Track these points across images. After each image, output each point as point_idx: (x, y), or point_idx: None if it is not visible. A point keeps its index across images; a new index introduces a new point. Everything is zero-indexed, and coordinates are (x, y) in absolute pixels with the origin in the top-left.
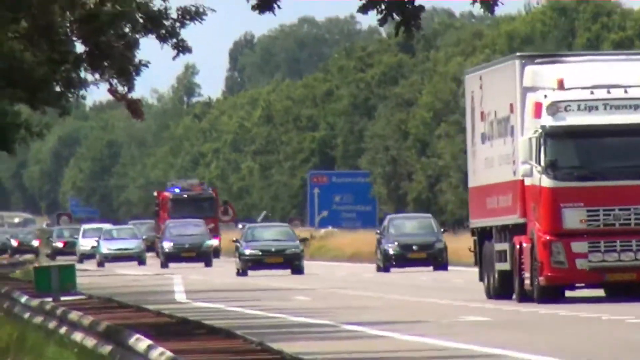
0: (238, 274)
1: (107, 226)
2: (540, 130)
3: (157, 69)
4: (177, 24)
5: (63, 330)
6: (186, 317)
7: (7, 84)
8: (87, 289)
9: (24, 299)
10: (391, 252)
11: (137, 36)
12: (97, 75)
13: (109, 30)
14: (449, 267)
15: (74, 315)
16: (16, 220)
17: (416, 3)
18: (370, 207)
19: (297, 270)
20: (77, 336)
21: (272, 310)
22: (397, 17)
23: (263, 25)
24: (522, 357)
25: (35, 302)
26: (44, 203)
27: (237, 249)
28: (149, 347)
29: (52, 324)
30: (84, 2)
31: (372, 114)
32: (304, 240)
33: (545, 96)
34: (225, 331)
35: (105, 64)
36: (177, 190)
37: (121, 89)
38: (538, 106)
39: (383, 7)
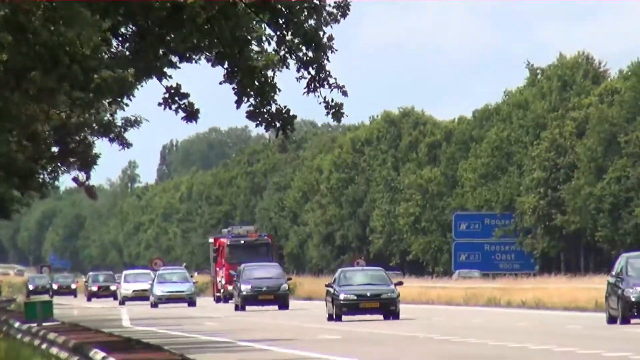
0: (330, 319)
1: (137, 270)
2: None
3: (109, 164)
4: (122, 129)
5: (44, 346)
6: (129, 337)
7: (6, 174)
8: (62, 318)
9: (17, 324)
10: (633, 299)
11: (94, 137)
12: (67, 168)
13: (75, 135)
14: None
15: (51, 335)
16: None
17: (291, 113)
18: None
19: (393, 315)
20: (54, 350)
21: (190, 332)
22: (278, 124)
23: (184, 132)
24: None
25: (25, 326)
26: (31, 257)
27: (328, 293)
28: (104, 358)
29: (36, 342)
30: (57, 116)
31: (260, 194)
32: (399, 284)
33: None
34: (156, 347)
35: (72, 159)
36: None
37: (82, 177)
38: None
39: (268, 116)
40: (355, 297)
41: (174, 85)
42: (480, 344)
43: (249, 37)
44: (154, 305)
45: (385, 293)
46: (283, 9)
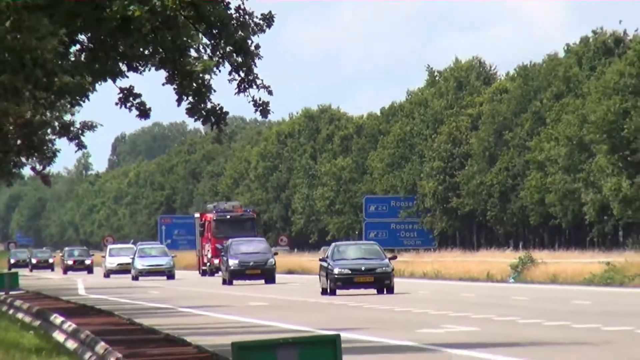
0: (324, 293)
1: (121, 245)
2: None
3: (66, 154)
4: (80, 131)
5: (11, 311)
6: (84, 304)
7: None
8: (26, 287)
9: None
10: None
11: (55, 137)
12: (30, 159)
13: (37, 133)
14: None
15: (17, 302)
16: None
17: (223, 110)
18: (194, 237)
19: (388, 289)
20: (20, 315)
21: (136, 300)
22: (212, 120)
23: (132, 126)
24: None
25: None
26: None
27: (322, 268)
28: (62, 322)
29: (4, 308)
30: (23, 115)
31: (198, 180)
32: (393, 259)
33: None
34: (107, 312)
35: (35, 153)
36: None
37: (39, 167)
38: None
39: (204, 112)
40: (350, 272)
41: (128, 87)
42: (388, 309)
43: (188, 45)
44: (135, 278)
45: (380, 267)
46: (216, 22)
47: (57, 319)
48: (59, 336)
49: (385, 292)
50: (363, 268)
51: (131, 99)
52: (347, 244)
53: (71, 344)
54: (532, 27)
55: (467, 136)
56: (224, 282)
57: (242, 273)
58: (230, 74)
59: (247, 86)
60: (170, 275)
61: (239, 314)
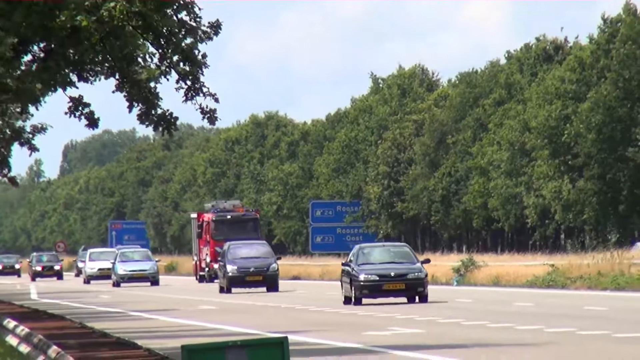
0: (348, 302)
1: (102, 249)
2: None
3: (19, 162)
4: (31, 135)
5: None
6: (37, 308)
7: None
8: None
9: None
10: None
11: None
12: None
13: None
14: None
15: None
16: None
17: (173, 116)
18: (145, 242)
19: (421, 297)
20: None
21: (88, 304)
22: (162, 125)
23: (82, 133)
24: None
25: None
26: None
27: (345, 273)
28: (15, 326)
29: None
30: None
31: (148, 186)
32: (426, 262)
33: None
34: (59, 316)
35: None
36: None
37: (5, 172)
38: None
39: (155, 118)
40: (378, 278)
41: (77, 96)
42: (335, 312)
43: (135, 54)
44: (117, 284)
45: (412, 272)
46: (164, 31)
47: (10, 323)
48: (12, 340)
49: (417, 301)
50: (392, 274)
51: (80, 108)
52: (373, 246)
53: (24, 348)
54: (474, 35)
55: (411, 142)
56: (222, 290)
57: (242, 280)
58: (177, 82)
59: (194, 94)
60: (155, 282)
61: (188, 318)
